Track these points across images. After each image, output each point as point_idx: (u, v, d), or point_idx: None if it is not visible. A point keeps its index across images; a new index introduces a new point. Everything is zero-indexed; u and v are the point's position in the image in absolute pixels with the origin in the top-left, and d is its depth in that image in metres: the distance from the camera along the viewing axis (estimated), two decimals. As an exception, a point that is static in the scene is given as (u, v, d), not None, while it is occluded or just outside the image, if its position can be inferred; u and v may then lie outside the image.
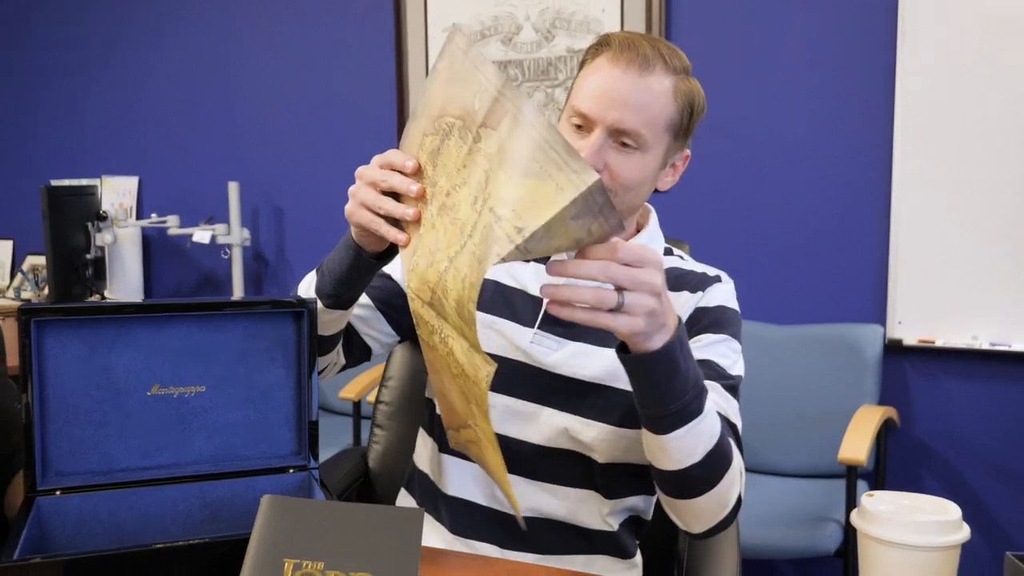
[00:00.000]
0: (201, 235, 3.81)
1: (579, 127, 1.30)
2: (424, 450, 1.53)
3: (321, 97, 3.81)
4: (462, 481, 1.44)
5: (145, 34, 4.19)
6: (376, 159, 1.18)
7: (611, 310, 1.00)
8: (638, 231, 1.45)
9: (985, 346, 2.74)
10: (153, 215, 4.11)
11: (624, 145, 1.28)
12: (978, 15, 2.68)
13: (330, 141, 3.77)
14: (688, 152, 1.39)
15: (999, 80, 2.67)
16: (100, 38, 4.29)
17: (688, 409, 1.12)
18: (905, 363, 2.90)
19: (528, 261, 1.20)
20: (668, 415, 1.12)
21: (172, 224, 3.93)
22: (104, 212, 3.94)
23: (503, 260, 0.96)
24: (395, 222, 1.16)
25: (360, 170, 1.19)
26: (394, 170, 1.16)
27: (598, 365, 1.37)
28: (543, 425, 1.39)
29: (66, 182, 4.30)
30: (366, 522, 1.04)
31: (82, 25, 4.33)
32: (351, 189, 1.19)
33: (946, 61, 2.73)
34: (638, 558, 1.50)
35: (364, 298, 1.46)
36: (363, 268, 1.27)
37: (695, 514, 1.22)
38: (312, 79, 3.83)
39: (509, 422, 1.40)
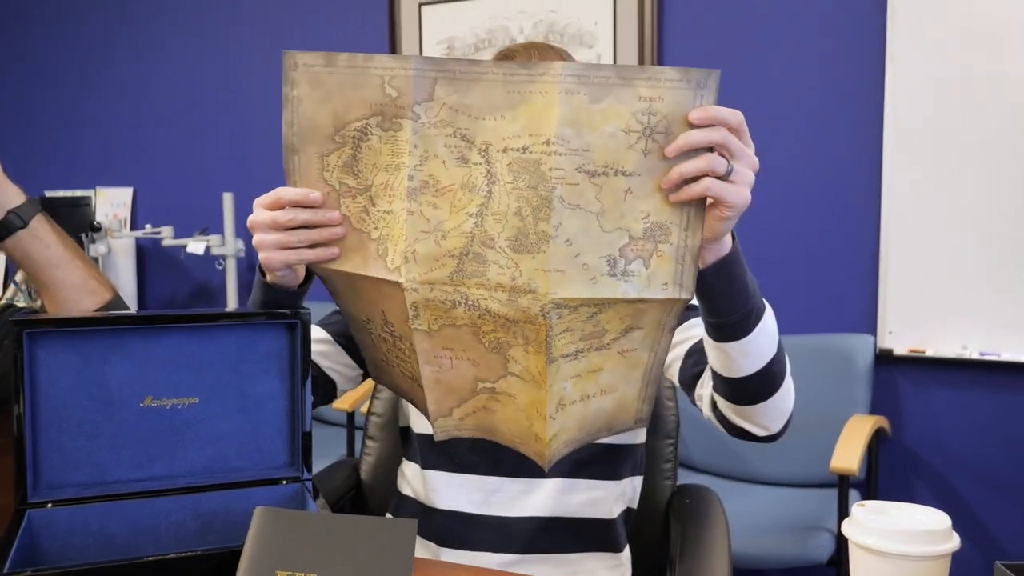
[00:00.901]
0: (195, 246, 3.81)
1: None
2: (407, 473, 1.53)
3: (315, 108, 3.81)
4: (452, 493, 1.45)
5: (140, 45, 4.20)
6: (264, 202, 1.17)
7: (720, 177, 1.02)
8: None
9: (975, 355, 2.75)
10: (147, 226, 4.11)
11: None
12: (964, 28, 2.69)
13: (324, 152, 3.77)
14: None
15: (987, 92, 2.69)
16: (95, 49, 4.30)
17: (759, 304, 1.19)
18: (896, 372, 2.90)
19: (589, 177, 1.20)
20: (750, 312, 1.17)
21: (166, 235, 3.93)
22: (98, 223, 3.94)
23: (564, 179, 1.03)
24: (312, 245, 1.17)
25: (255, 220, 1.17)
26: (295, 206, 1.15)
27: None
28: None
29: (60, 193, 4.30)
30: (359, 534, 1.04)
31: (77, 36, 4.33)
32: (255, 240, 1.18)
33: (935, 73, 2.75)
34: (627, 554, 1.51)
35: (322, 333, 1.47)
36: (287, 303, 1.26)
37: (777, 410, 1.28)
38: (306, 90, 3.83)
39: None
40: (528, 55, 1.36)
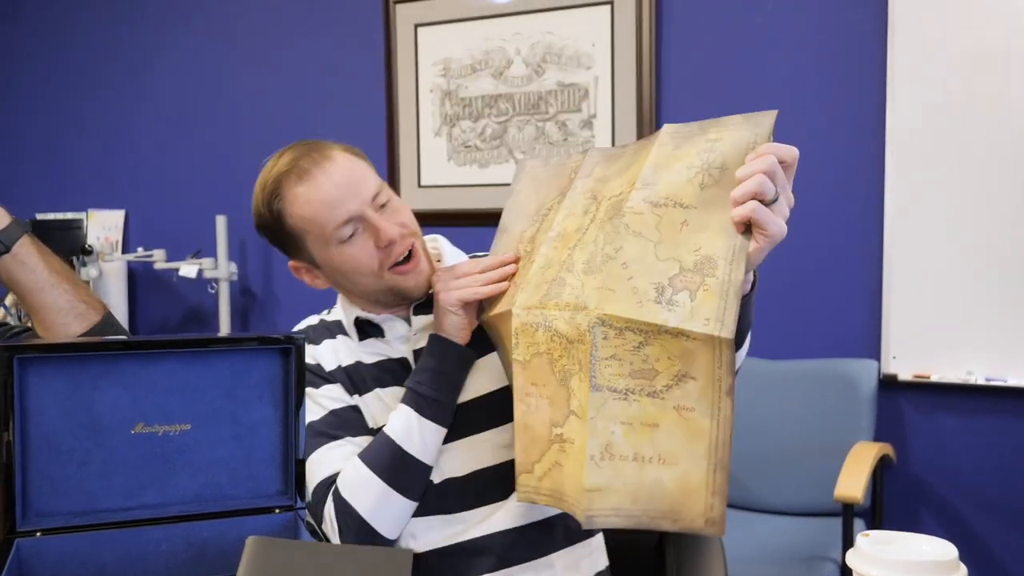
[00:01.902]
0: (188, 269, 3.79)
1: (352, 235, 1.41)
2: (418, 532, 1.48)
3: (311, 131, 3.80)
4: (430, 537, 1.44)
5: (132, 67, 4.19)
6: (456, 274, 1.41)
7: (767, 204, 1.09)
8: (438, 263, 1.55)
9: (980, 381, 2.73)
10: (139, 249, 4.09)
11: (383, 206, 1.43)
12: (967, 48, 2.69)
13: (319, 175, 3.76)
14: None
15: (990, 114, 2.68)
16: (88, 70, 4.29)
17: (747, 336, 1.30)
18: (901, 398, 2.88)
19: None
20: (742, 343, 1.28)
21: (158, 258, 3.91)
22: (90, 246, 3.92)
23: (633, 208, 1.16)
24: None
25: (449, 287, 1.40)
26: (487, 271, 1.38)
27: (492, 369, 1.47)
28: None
29: (51, 216, 4.27)
30: (353, 564, 1.02)
31: (69, 58, 4.33)
32: (443, 299, 1.39)
33: (937, 95, 2.74)
34: (599, 539, 1.52)
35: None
36: (469, 361, 1.43)
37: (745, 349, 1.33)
38: (302, 113, 3.83)
39: (485, 452, 1.45)
40: (301, 168, 1.41)
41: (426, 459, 1.40)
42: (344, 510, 1.37)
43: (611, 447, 1.14)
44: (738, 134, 1.14)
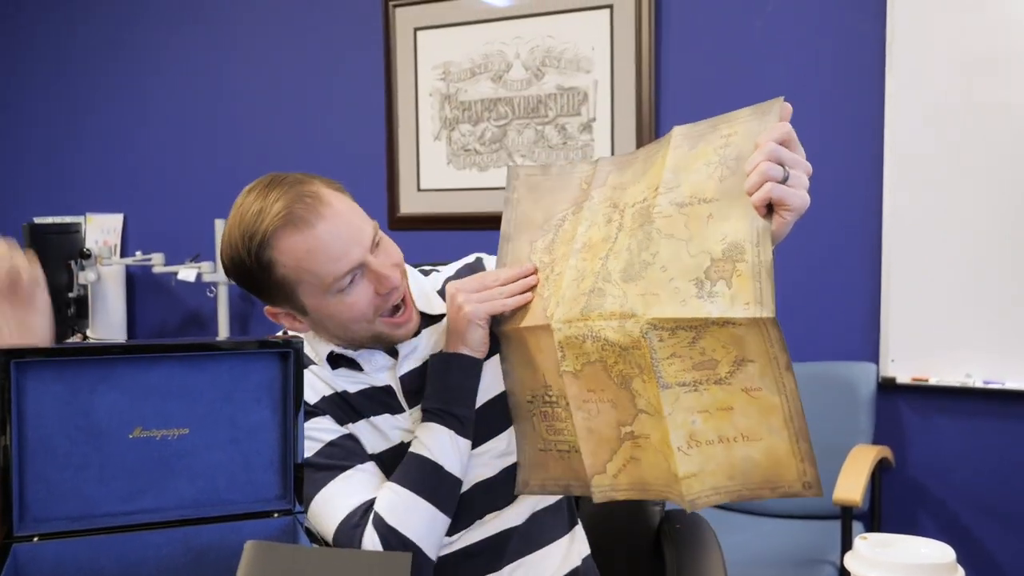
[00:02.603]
0: (186, 273, 3.78)
1: (351, 282, 1.35)
2: None
3: (310, 134, 3.81)
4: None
5: (130, 70, 4.19)
6: (471, 287, 1.40)
7: (780, 183, 1.12)
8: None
9: (979, 384, 2.73)
10: (138, 253, 4.08)
11: (377, 245, 1.38)
12: (965, 54, 2.69)
13: (318, 179, 3.75)
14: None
15: (988, 119, 2.68)
16: (86, 74, 4.29)
17: None
18: (899, 401, 2.88)
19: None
20: None
21: (157, 262, 3.90)
22: (88, 250, 3.92)
23: (662, 213, 1.21)
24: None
25: (465, 300, 1.39)
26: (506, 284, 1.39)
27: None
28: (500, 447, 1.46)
29: (49, 219, 4.27)
30: (352, 568, 1.01)
31: (68, 61, 4.33)
32: (466, 312, 1.38)
33: (935, 99, 2.74)
34: (579, 528, 1.55)
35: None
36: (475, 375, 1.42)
37: None
38: (301, 116, 3.82)
39: (487, 465, 1.45)
40: (292, 215, 1.32)
41: (462, 477, 1.39)
42: (391, 536, 1.33)
43: (695, 435, 1.19)
44: (748, 126, 1.20)
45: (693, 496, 1.21)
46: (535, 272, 1.38)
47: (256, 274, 1.35)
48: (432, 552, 1.37)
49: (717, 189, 1.18)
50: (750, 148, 1.17)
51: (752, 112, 1.21)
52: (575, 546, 1.52)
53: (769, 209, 1.14)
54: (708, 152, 1.21)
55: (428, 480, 1.36)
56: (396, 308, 1.40)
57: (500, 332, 1.41)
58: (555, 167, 1.45)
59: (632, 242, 1.23)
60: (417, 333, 1.46)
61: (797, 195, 1.13)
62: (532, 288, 1.37)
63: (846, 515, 2.37)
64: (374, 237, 1.37)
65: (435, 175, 3.56)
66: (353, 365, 1.45)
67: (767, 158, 1.12)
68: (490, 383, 1.44)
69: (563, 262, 1.34)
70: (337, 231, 1.33)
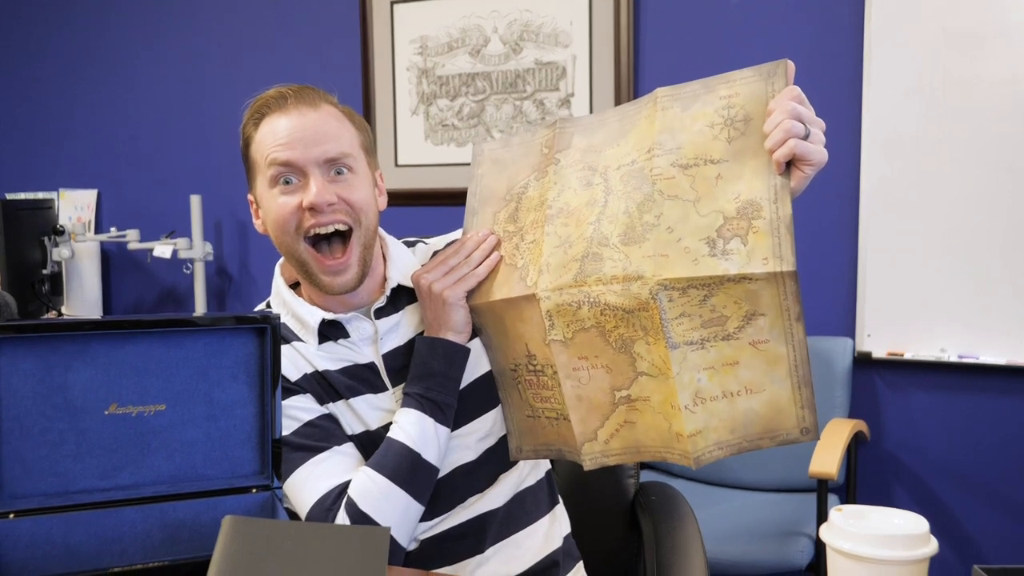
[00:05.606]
0: (162, 249, 3.76)
1: (288, 182, 1.36)
2: None
3: (285, 110, 3.78)
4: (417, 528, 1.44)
5: (106, 45, 4.14)
6: (432, 267, 1.41)
7: (803, 139, 1.15)
8: (385, 262, 1.49)
9: (953, 359, 2.75)
10: (112, 229, 4.05)
11: (339, 174, 1.37)
12: (942, 31, 2.70)
13: (294, 154, 3.73)
14: (380, 170, 1.49)
15: (965, 95, 2.69)
16: (59, 48, 4.24)
17: None
18: (875, 376, 2.90)
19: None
20: None
21: (132, 238, 3.88)
22: (61, 226, 3.88)
23: (662, 175, 1.21)
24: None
25: (431, 280, 1.39)
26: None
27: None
28: (482, 429, 1.46)
29: (22, 195, 4.23)
30: (330, 542, 1.02)
31: (40, 36, 4.27)
32: (438, 293, 1.38)
33: (912, 76, 2.75)
34: (560, 507, 1.56)
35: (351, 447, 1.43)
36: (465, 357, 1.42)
37: None
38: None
39: (469, 448, 1.45)
40: (283, 99, 1.40)
41: (439, 464, 1.39)
42: (363, 522, 1.32)
43: (700, 392, 1.20)
44: (752, 87, 1.21)
45: (698, 452, 1.22)
46: (492, 235, 1.39)
47: (242, 150, 1.44)
48: (404, 540, 1.36)
49: (725, 150, 1.20)
50: (759, 109, 1.19)
51: (754, 73, 1.22)
52: (556, 525, 1.52)
53: (786, 167, 1.16)
54: (708, 113, 1.22)
55: (404, 468, 1.35)
56: (324, 243, 1.38)
57: (474, 307, 1.39)
58: (516, 138, 1.45)
59: (629, 205, 1.23)
60: (396, 309, 1.45)
61: (818, 150, 1.16)
62: (496, 248, 1.38)
63: (822, 488, 2.39)
64: (334, 158, 1.37)
65: (413, 151, 3.54)
66: (340, 334, 1.44)
67: (789, 116, 1.15)
68: (473, 364, 1.43)
69: (536, 229, 1.33)
70: (301, 127, 1.37)
